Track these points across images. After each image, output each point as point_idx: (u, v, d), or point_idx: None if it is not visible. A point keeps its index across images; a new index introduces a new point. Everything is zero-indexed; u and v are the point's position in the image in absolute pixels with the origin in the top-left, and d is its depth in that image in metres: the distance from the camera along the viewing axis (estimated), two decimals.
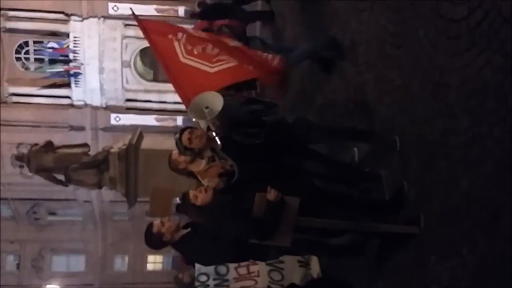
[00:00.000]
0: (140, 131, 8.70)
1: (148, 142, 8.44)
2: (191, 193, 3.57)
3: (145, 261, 26.11)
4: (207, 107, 3.62)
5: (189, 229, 3.83)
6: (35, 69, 21.63)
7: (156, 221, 3.76)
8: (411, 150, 3.73)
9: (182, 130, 3.88)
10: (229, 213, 3.49)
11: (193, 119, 3.83)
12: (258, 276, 4.95)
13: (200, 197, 3.51)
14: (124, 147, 7.92)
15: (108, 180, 7.95)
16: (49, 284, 25.12)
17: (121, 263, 26.52)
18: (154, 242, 3.76)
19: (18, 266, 25.45)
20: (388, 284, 3.96)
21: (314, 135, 4.24)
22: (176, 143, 3.90)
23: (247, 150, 3.73)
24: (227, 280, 4.92)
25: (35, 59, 21.51)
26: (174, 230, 3.72)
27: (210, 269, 4.88)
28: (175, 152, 4.07)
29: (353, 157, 4.64)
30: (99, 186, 8.29)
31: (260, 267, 4.99)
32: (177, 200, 5.07)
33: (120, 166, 7.76)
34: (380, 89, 4.37)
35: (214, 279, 4.92)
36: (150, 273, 26.03)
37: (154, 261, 26.30)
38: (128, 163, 7.84)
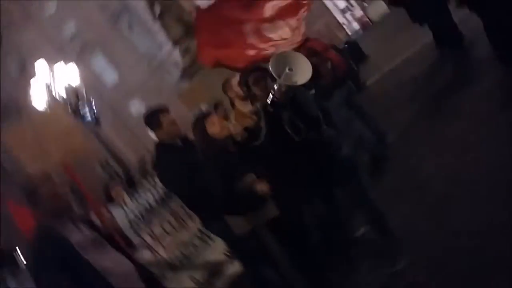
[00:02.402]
0: None
1: None
2: (212, 117, 3.34)
3: None
4: (291, 69, 3.18)
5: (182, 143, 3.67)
6: None
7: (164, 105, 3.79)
8: None
9: (258, 70, 3.58)
10: (220, 165, 3.23)
11: (270, 67, 3.30)
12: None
13: (214, 128, 3.28)
14: None
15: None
16: None
17: None
18: (151, 118, 3.77)
19: None
20: None
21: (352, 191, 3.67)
22: (243, 75, 3.67)
23: (282, 133, 3.33)
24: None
25: None
26: (171, 122, 3.63)
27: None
28: (236, 79, 4.01)
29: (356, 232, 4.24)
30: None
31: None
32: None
33: None
34: None
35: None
36: None
37: None
38: None
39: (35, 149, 2.95)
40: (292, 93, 3.24)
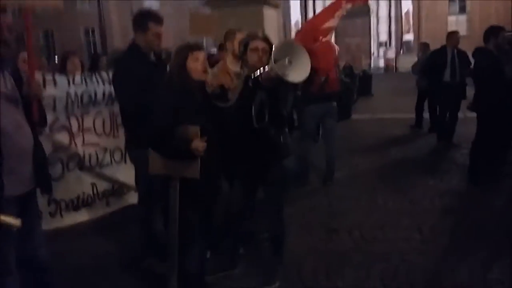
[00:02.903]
0: None
1: None
2: (199, 53, 3.08)
3: None
4: (290, 61, 3.09)
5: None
6: None
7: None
8: None
9: (264, 41, 3.44)
10: (174, 100, 3.02)
11: (273, 48, 3.23)
12: None
13: (195, 64, 3.04)
14: None
15: None
16: None
17: None
18: (141, 19, 3.78)
19: None
20: None
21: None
22: (248, 36, 3.55)
23: (245, 110, 3.26)
24: None
25: None
26: (157, 33, 3.71)
27: None
28: (241, 35, 3.94)
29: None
30: None
31: None
32: None
33: None
34: None
35: None
36: None
37: None
38: None
39: None
40: (277, 83, 3.10)
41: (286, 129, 3.55)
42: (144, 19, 3.71)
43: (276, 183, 3.52)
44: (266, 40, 3.43)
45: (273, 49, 3.13)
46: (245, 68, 3.47)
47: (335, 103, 6.17)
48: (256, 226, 4.17)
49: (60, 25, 35.83)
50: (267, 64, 3.16)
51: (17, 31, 2.65)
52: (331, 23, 6.03)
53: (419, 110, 9.86)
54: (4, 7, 2.62)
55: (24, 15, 2.83)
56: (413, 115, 9.91)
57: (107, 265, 4.17)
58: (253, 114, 3.18)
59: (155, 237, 3.82)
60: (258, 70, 3.18)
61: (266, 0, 9.53)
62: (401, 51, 31.18)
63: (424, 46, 10.75)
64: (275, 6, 10.25)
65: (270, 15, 9.60)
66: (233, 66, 4.11)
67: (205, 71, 3.07)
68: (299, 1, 34.17)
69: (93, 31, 33.67)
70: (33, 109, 2.79)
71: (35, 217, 2.97)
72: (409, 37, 30.62)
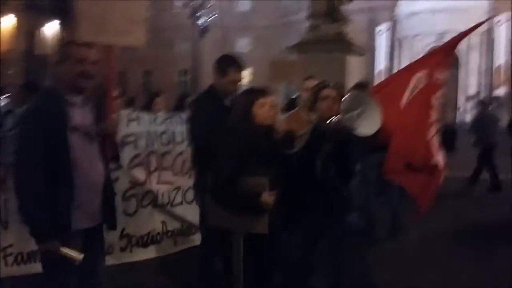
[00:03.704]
0: None
1: None
2: (267, 99, 2.99)
3: None
4: (360, 114, 2.95)
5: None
6: None
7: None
8: None
9: (337, 89, 3.39)
10: (242, 148, 2.94)
11: (343, 99, 3.08)
12: None
13: (261, 110, 2.95)
14: None
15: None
16: None
17: None
18: (224, 62, 3.86)
19: None
20: None
21: None
22: (321, 84, 3.48)
23: (310, 161, 3.17)
24: None
25: None
26: (235, 80, 3.74)
27: None
28: (309, 84, 4.00)
29: None
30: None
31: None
32: None
33: None
34: None
35: None
36: None
37: None
38: None
39: (96, 16, 2.80)
40: (345, 136, 2.98)
41: (351, 182, 3.37)
42: (225, 64, 3.77)
43: (339, 238, 3.34)
44: (338, 88, 3.34)
45: (343, 100, 3.02)
46: (311, 116, 3.38)
47: None
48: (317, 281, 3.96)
49: (158, 66, 38.15)
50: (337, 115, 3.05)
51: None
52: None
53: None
54: (92, 44, 2.76)
55: (109, 52, 2.96)
56: (501, 175, 9.25)
57: None
58: (318, 165, 3.06)
59: (215, 281, 3.74)
60: (327, 120, 3.08)
61: (351, 48, 9.42)
62: (490, 106, 29.58)
63: None
64: (360, 54, 10.13)
65: (353, 63, 9.50)
66: (304, 114, 4.03)
67: (272, 117, 2.97)
68: (384, 49, 33.88)
69: (186, 72, 35.28)
70: (107, 145, 2.87)
71: (99, 254, 3.01)
72: (500, 91, 29.03)
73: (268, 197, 2.80)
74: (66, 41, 2.78)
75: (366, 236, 5.89)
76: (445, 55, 4.56)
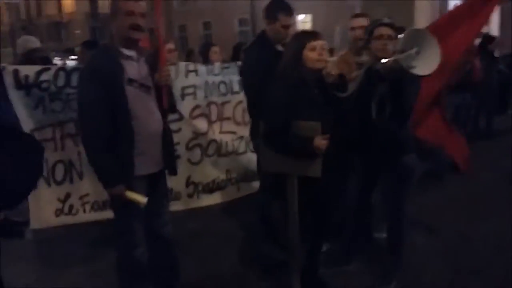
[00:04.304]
0: None
1: None
2: (317, 43, 2.94)
3: None
4: (418, 52, 2.84)
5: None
6: None
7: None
8: None
9: (391, 26, 3.27)
10: (296, 93, 2.92)
11: (401, 36, 3.00)
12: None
13: (312, 54, 2.92)
14: None
15: None
16: None
17: None
18: (274, 8, 3.79)
19: None
20: None
21: None
22: (375, 22, 3.39)
23: (364, 103, 3.11)
24: None
25: None
26: (287, 26, 3.63)
27: None
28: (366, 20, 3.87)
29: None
30: None
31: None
32: None
33: None
34: None
35: None
36: None
37: None
38: None
39: None
40: (402, 75, 2.87)
41: (408, 124, 3.27)
42: (274, 10, 3.73)
43: (395, 181, 3.30)
44: (393, 26, 3.21)
45: (400, 37, 2.91)
46: (366, 56, 3.28)
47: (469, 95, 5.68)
48: (373, 224, 3.98)
49: (217, 17, 37.99)
50: (394, 53, 2.95)
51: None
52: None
53: None
54: None
55: (155, 4, 3.03)
56: None
57: (231, 246, 4.38)
58: (372, 107, 3.01)
59: (274, 226, 3.88)
60: (382, 60, 2.98)
61: None
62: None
63: None
64: None
65: (422, 6, 8.91)
66: (354, 54, 3.94)
67: (323, 61, 2.92)
68: None
69: (246, 21, 34.92)
70: (163, 96, 2.99)
71: (162, 197, 3.22)
72: None
73: (320, 141, 2.81)
74: None
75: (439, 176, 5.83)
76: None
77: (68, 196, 4.25)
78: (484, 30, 7.33)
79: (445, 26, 4.25)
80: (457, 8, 4.60)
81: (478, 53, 6.74)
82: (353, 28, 3.92)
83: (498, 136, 8.19)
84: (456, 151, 4.66)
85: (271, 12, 3.74)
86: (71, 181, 4.24)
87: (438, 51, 2.89)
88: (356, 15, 4.01)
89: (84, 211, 4.32)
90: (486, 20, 4.56)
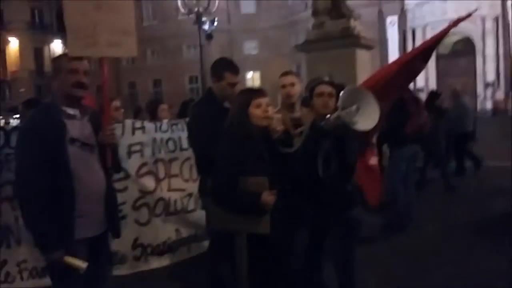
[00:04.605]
0: None
1: None
2: (262, 100, 2.97)
3: None
4: (358, 108, 2.92)
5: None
6: None
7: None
8: None
9: (333, 86, 3.34)
10: (240, 149, 2.90)
11: (340, 95, 3.04)
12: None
13: (256, 111, 2.94)
14: None
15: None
16: None
17: None
18: (221, 67, 3.85)
19: None
20: None
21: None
22: (314, 81, 3.52)
23: (310, 159, 3.13)
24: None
25: None
26: (233, 83, 3.72)
27: None
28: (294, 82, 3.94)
29: None
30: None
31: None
32: None
33: None
34: None
35: None
36: None
37: None
38: None
39: (85, 30, 2.83)
40: (344, 132, 2.95)
41: (353, 178, 3.34)
42: (221, 68, 3.79)
43: (344, 235, 3.32)
44: (333, 84, 3.32)
45: (340, 95, 3.00)
46: (299, 113, 3.33)
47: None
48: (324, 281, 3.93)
49: (167, 74, 38.42)
50: (335, 110, 3.04)
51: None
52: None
53: None
54: (81, 56, 2.82)
55: (101, 64, 3.00)
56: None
57: None
58: (319, 163, 3.05)
59: (222, 285, 3.75)
60: (326, 116, 3.06)
61: (359, 42, 9.16)
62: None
63: None
64: (370, 48, 9.89)
65: (363, 58, 9.32)
66: (287, 111, 3.89)
67: (268, 117, 2.95)
68: (397, 42, 33.59)
69: (196, 78, 35.45)
70: (107, 155, 2.91)
71: (105, 261, 3.05)
72: None
73: (268, 197, 2.80)
74: (58, 55, 2.83)
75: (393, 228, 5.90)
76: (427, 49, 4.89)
77: (4, 262, 4.02)
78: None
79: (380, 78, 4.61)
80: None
81: (426, 106, 7.19)
82: (283, 86, 3.92)
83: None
84: (368, 187, 4.82)
85: (218, 71, 3.78)
86: (8, 246, 4.00)
87: (376, 107, 3.00)
88: (285, 73, 4.04)
89: (22, 278, 4.06)
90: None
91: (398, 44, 33.69)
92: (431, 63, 30.11)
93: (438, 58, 30.26)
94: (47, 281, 3.29)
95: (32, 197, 2.60)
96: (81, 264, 2.64)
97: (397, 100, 5.64)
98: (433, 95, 9.07)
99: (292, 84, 3.91)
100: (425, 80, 30.18)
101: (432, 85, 28.95)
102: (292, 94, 3.88)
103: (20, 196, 2.72)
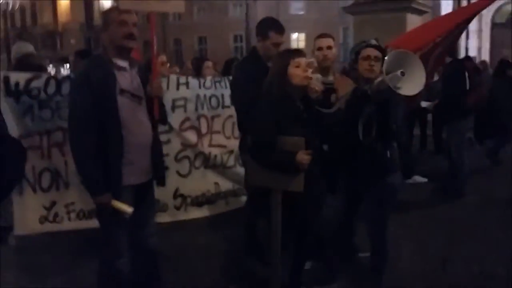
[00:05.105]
0: None
1: None
2: (301, 60, 2.99)
3: None
4: (403, 73, 2.89)
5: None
6: None
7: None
8: None
9: (378, 49, 3.31)
10: (278, 108, 2.95)
11: (385, 59, 3.03)
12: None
13: (296, 70, 2.95)
14: None
15: None
16: None
17: None
18: (264, 27, 3.89)
19: None
20: None
21: None
22: (361, 43, 3.49)
23: (351, 122, 3.15)
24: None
25: None
26: (277, 43, 3.74)
27: None
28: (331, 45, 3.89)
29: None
30: None
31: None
32: None
33: None
34: None
35: None
36: None
37: None
38: None
39: None
40: (388, 96, 2.92)
41: (395, 144, 3.31)
42: (266, 28, 3.80)
43: (379, 200, 3.33)
44: (379, 48, 3.27)
45: (385, 59, 2.96)
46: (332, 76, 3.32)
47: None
48: (356, 243, 4.00)
49: (212, 32, 38.29)
50: (379, 73, 3.01)
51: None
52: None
53: None
54: (130, 10, 2.91)
55: (149, 19, 3.07)
56: None
57: (215, 260, 4.36)
58: (359, 127, 3.05)
59: (259, 242, 3.88)
60: (368, 80, 3.05)
61: (411, 5, 8.82)
62: None
63: None
64: (422, 12, 9.44)
65: (414, 23, 8.93)
66: (321, 74, 3.83)
67: (307, 77, 2.97)
68: (451, 5, 32.13)
69: (241, 37, 35.20)
70: (154, 107, 3.02)
71: (149, 208, 3.22)
72: None
73: (303, 156, 2.86)
74: (108, 8, 2.91)
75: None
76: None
77: (53, 203, 4.24)
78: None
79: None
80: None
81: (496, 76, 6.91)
82: (320, 48, 3.88)
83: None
84: None
85: (263, 30, 3.80)
86: (58, 189, 4.23)
87: (422, 71, 2.96)
88: (322, 35, 3.97)
89: (69, 219, 4.30)
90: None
91: (453, 9, 32.17)
92: (486, 32, 28.71)
93: (493, 26, 28.77)
94: (93, 222, 3.51)
95: (84, 142, 2.76)
96: (127, 208, 2.81)
97: (455, 70, 5.51)
98: (506, 64, 7.96)
99: (329, 47, 3.86)
100: (477, 50, 28.85)
101: (485, 55, 27.67)
102: (328, 57, 3.84)
103: (72, 141, 2.88)
